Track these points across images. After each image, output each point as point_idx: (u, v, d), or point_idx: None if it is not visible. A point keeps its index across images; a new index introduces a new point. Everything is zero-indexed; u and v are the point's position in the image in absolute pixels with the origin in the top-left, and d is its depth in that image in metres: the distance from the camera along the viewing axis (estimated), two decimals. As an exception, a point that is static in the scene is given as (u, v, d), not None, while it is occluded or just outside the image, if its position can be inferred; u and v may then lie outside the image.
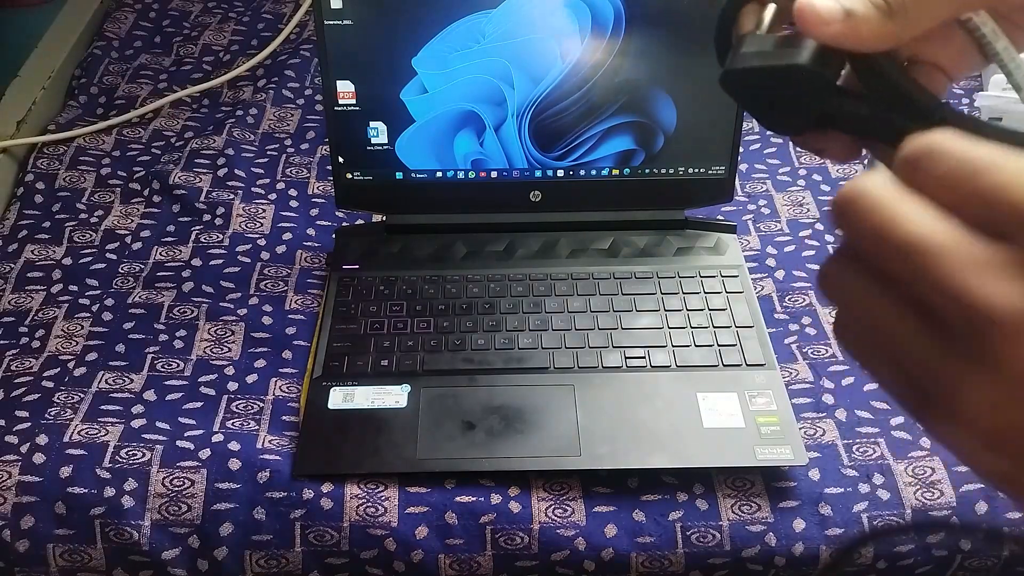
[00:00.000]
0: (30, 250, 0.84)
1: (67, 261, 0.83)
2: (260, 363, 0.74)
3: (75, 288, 0.80)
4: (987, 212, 0.23)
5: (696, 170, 0.80)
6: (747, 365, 0.72)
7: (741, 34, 0.35)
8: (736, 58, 0.34)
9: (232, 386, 0.72)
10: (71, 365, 0.73)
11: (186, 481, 0.65)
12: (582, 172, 0.80)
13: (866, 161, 0.37)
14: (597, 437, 0.67)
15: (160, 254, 0.84)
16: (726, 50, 0.37)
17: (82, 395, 0.71)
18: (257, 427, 0.69)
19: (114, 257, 0.83)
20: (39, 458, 0.66)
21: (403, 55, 0.75)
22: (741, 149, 0.83)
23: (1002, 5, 0.32)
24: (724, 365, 0.72)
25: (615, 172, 0.80)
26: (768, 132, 0.97)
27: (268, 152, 0.95)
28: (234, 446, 0.67)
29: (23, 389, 0.71)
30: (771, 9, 0.35)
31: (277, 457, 0.66)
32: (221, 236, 0.85)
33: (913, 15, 0.31)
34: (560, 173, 0.80)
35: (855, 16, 0.31)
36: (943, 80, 0.35)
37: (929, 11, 0.31)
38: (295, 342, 0.76)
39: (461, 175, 0.80)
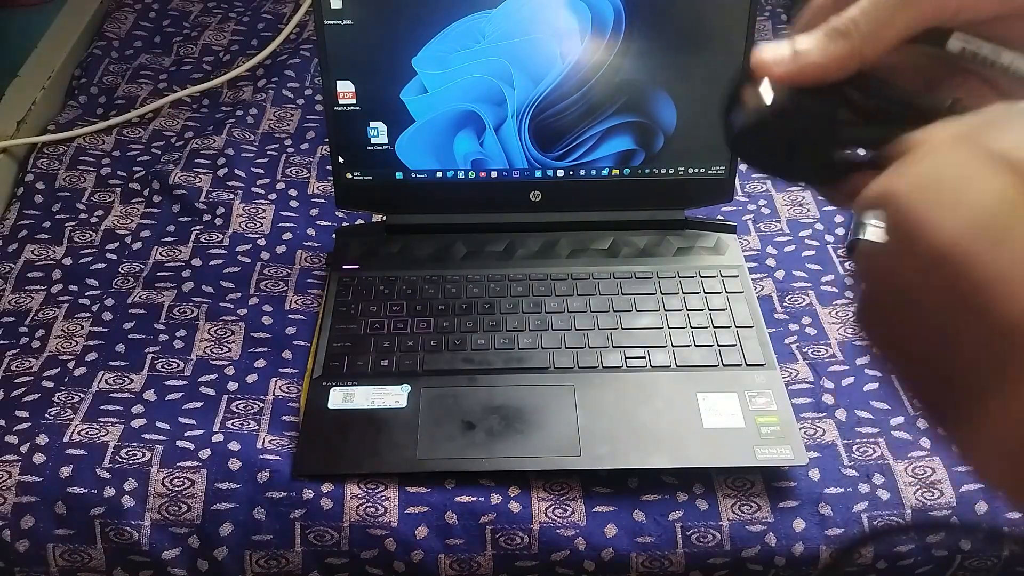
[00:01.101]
0: (30, 250, 0.84)
1: (67, 261, 0.83)
2: (260, 363, 0.74)
3: (75, 288, 0.80)
4: None
5: (696, 170, 0.80)
6: (747, 365, 0.72)
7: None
8: (731, 126, 0.35)
9: (232, 386, 0.72)
10: (71, 365, 0.73)
11: (186, 481, 0.65)
12: (582, 172, 0.80)
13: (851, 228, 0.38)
14: (597, 437, 0.67)
15: (160, 254, 0.84)
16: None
17: (82, 395, 0.71)
18: (257, 427, 0.69)
19: (114, 257, 0.83)
20: (39, 458, 0.66)
21: (403, 55, 0.75)
22: (741, 149, 0.83)
23: (954, 18, 0.32)
24: (724, 365, 0.72)
25: (615, 172, 0.80)
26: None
27: (268, 152, 0.95)
28: (234, 446, 0.67)
29: (23, 389, 0.71)
30: (766, 82, 0.35)
31: (277, 457, 0.66)
32: (221, 236, 0.85)
33: (868, 30, 0.31)
34: (560, 173, 0.80)
35: (802, 52, 0.32)
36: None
37: (885, 22, 0.32)
38: (295, 342, 0.76)
39: (461, 175, 0.80)
